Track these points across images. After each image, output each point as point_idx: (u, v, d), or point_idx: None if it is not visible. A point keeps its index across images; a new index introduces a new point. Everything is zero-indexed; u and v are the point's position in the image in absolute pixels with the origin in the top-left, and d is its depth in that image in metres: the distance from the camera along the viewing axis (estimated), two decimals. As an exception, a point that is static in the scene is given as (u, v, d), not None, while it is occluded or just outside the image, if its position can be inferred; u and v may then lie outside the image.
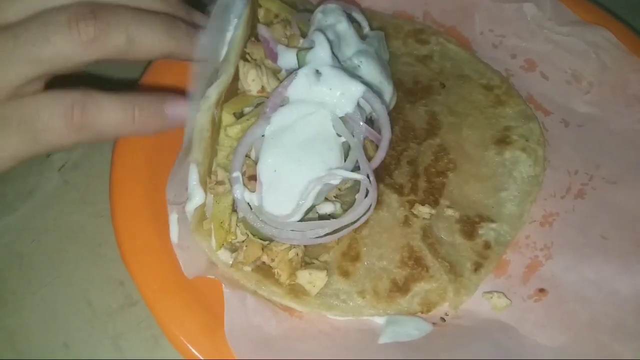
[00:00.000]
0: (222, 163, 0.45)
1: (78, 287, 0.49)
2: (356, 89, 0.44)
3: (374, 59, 0.49)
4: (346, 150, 0.44)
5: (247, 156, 0.44)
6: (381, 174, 0.50)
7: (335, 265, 0.45)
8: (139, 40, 0.37)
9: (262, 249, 0.44)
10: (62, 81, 0.39)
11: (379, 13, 0.63)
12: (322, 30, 0.47)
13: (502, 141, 0.53)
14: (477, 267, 0.46)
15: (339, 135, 0.44)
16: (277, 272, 0.44)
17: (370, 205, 0.43)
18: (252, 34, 0.49)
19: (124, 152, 0.47)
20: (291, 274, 0.44)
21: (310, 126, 0.43)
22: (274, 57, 0.48)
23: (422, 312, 0.45)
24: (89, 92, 0.37)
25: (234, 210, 0.44)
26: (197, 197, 0.42)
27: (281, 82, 0.45)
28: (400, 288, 0.45)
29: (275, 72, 0.48)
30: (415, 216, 0.48)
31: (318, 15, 0.50)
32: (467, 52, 0.60)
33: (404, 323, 0.43)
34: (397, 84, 0.54)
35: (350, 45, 0.49)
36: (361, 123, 0.45)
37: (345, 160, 0.44)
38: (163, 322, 0.41)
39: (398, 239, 0.47)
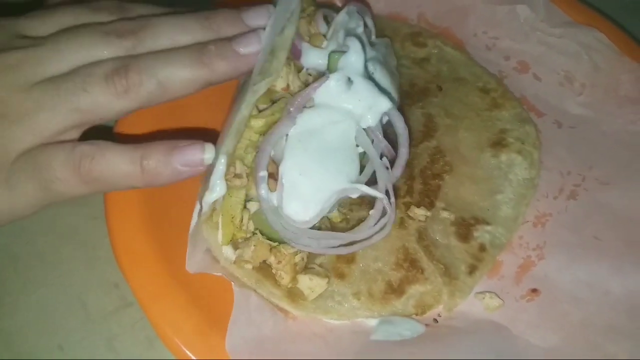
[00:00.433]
0: (239, 155, 0.44)
1: (73, 289, 0.49)
2: (384, 105, 0.44)
3: (382, 66, 0.48)
4: (361, 163, 0.44)
5: None
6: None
7: (331, 266, 0.46)
8: (170, 82, 0.38)
9: (270, 250, 0.43)
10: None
11: (375, 15, 0.63)
12: (358, 36, 0.46)
13: (498, 144, 0.53)
14: (472, 269, 0.46)
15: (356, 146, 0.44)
16: (280, 274, 0.43)
17: (386, 225, 0.43)
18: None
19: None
20: (293, 278, 0.44)
21: (337, 134, 0.43)
22: (297, 53, 0.47)
23: (416, 315, 0.45)
24: (99, 144, 0.37)
25: (245, 206, 0.44)
26: (218, 189, 0.42)
27: (311, 83, 0.44)
28: (395, 290, 0.45)
29: (298, 70, 0.47)
30: (411, 218, 0.48)
31: (344, 17, 0.49)
32: (464, 55, 0.60)
33: (397, 323, 0.44)
34: (395, 87, 0.54)
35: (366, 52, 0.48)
36: (381, 138, 0.44)
37: (360, 174, 0.44)
38: (157, 323, 0.41)
39: (393, 241, 0.47)
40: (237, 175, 0.43)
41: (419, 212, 0.48)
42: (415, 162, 0.52)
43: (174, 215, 0.45)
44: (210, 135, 0.42)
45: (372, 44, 0.51)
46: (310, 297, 0.44)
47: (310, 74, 0.47)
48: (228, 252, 0.44)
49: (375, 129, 0.44)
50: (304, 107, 0.43)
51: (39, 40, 0.38)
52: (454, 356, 0.41)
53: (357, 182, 0.43)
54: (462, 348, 0.41)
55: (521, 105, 0.56)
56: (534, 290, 0.46)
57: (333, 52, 0.46)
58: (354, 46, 0.45)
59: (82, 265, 0.50)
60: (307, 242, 0.42)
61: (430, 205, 0.49)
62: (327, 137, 0.43)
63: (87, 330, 0.47)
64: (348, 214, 0.48)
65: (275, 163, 0.43)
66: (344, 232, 0.43)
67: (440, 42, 0.61)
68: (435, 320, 0.45)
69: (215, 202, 0.43)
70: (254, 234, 0.44)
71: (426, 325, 0.44)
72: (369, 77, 0.45)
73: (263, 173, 0.42)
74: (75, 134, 0.39)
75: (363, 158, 0.45)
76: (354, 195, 0.43)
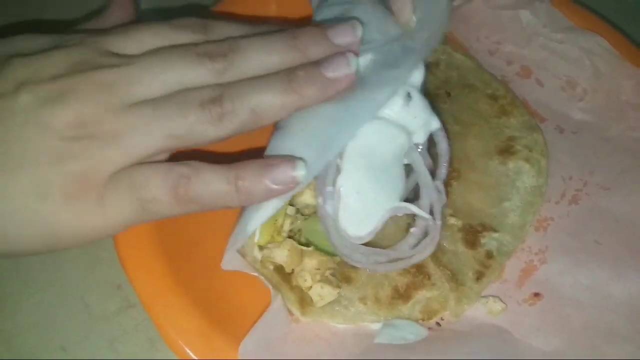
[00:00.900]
0: None
1: (75, 290, 0.49)
2: (435, 124, 0.44)
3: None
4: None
5: None
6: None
7: (338, 271, 0.46)
8: (263, 109, 0.38)
9: (301, 255, 0.44)
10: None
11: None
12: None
13: (506, 151, 0.53)
14: (479, 276, 0.46)
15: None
16: (303, 278, 0.44)
17: (428, 246, 0.43)
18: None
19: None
20: (312, 284, 0.44)
21: (392, 150, 0.42)
22: None
23: (423, 320, 0.45)
24: (195, 164, 0.37)
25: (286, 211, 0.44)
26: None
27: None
28: (402, 295, 0.45)
29: None
30: (418, 224, 0.48)
31: None
32: (473, 62, 0.60)
33: (400, 327, 0.44)
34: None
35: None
36: (428, 157, 0.44)
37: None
38: (160, 325, 0.41)
39: (400, 246, 0.47)
40: None
41: (427, 218, 0.48)
42: (424, 169, 0.52)
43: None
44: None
45: None
46: (318, 304, 0.44)
47: None
48: (256, 251, 0.44)
49: (423, 148, 0.44)
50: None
51: (130, 59, 0.38)
52: (454, 357, 0.41)
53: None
54: (464, 351, 0.42)
55: (529, 112, 0.56)
56: (536, 294, 0.46)
57: None
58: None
59: (84, 266, 0.50)
60: (359, 258, 0.42)
61: (438, 212, 0.49)
62: (383, 153, 0.42)
63: (90, 331, 0.47)
64: None
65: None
66: (375, 246, 0.43)
67: (449, 48, 0.61)
68: (438, 324, 0.45)
69: None
70: (288, 237, 0.44)
71: (429, 328, 0.44)
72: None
73: (330, 189, 0.41)
74: (163, 157, 0.39)
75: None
76: (400, 214, 0.43)
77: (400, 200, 0.42)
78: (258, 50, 0.39)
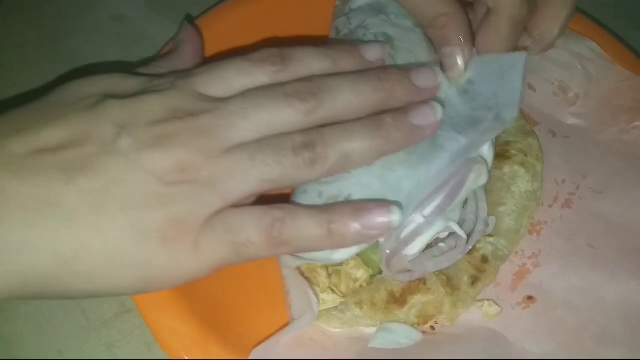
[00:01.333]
0: None
1: (73, 295, 0.50)
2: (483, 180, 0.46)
3: None
4: None
5: None
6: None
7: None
8: (351, 155, 0.39)
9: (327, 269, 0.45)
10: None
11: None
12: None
13: (501, 156, 0.53)
14: (475, 280, 0.47)
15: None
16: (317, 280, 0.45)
17: (451, 258, 0.44)
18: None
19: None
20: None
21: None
22: None
23: (418, 324, 0.45)
24: (288, 208, 0.38)
25: None
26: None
27: None
28: (398, 300, 0.45)
29: None
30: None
31: None
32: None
33: (394, 331, 0.44)
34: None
35: None
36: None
37: None
38: (156, 329, 0.41)
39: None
40: None
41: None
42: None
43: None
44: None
45: None
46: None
47: None
48: (292, 260, 0.44)
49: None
50: None
51: (221, 103, 0.38)
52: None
53: None
54: (457, 354, 0.42)
55: (524, 117, 0.56)
56: (530, 298, 0.46)
57: None
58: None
59: (82, 271, 0.51)
60: (393, 276, 0.43)
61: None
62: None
63: (87, 336, 0.48)
64: None
65: None
66: None
67: None
68: (432, 328, 0.45)
69: None
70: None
71: (423, 332, 0.45)
72: None
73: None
74: (253, 199, 0.39)
75: None
76: (443, 235, 0.44)
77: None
78: (345, 91, 0.40)
